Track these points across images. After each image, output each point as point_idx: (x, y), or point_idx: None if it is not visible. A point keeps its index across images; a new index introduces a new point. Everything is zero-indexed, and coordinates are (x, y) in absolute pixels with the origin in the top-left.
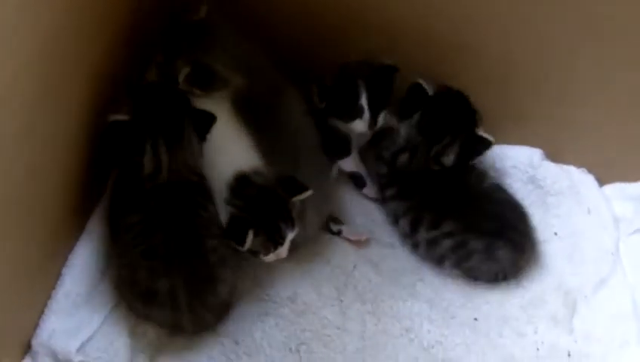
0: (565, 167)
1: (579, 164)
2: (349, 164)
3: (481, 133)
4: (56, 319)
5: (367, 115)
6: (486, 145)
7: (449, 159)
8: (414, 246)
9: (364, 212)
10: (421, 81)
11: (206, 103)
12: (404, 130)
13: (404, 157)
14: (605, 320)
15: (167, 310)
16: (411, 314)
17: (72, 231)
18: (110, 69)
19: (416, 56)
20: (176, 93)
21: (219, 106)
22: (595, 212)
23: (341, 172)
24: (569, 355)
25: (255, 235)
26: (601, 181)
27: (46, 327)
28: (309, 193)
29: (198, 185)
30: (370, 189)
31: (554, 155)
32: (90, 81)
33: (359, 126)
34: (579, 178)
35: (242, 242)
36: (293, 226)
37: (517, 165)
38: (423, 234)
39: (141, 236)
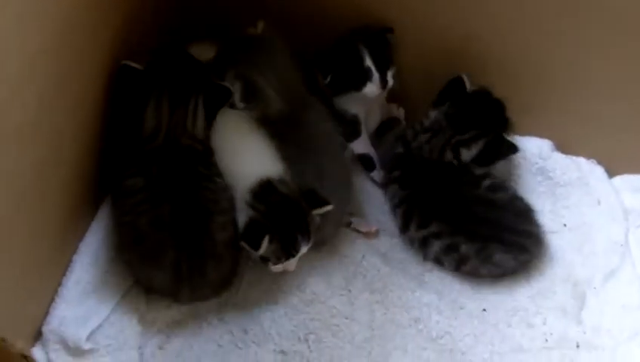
0: (575, 158)
1: (588, 156)
2: (361, 145)
3: (509, 138)
4: (67, 306)
5: (375, 75)
6: (512, 150)
7: (469, 153)
8: (411, 243)
9: (373, 202)
10: (463, 76)
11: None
12: (433, 115)
13: (424, 137)
14: (614, 312)
15: (168, 278)
16: (420, 304)
17: (83, 219)
18: (120, 61)
19: (427, 47)
20: (197, 62)
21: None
22: (605, 203)
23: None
24: (578, 346)
25: (270, 242)
26: (611, 172)
27: (56, 315)
28: (329, 208)
29: (202, 155)
30: (378, 173)
31: (564, 146)
32: (100, 74)
33: (371, 89)
34: (588, 169)
35: (257, 247)
36: (309, 240)
37: (526, 156)
38: (413, 232)
39: (147, 203)
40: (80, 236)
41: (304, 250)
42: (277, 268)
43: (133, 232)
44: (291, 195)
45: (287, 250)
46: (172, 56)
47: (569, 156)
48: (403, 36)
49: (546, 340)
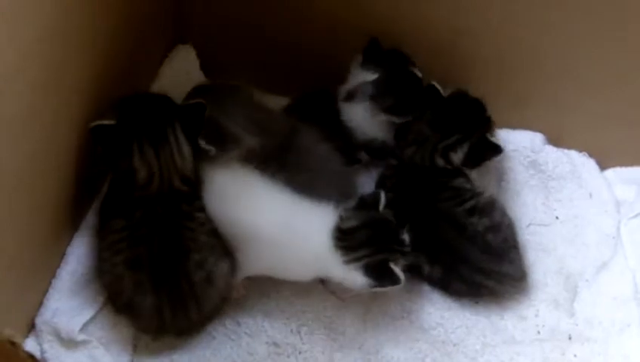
0: (567, 151)
1: (580, 149)
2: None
3: (493, 139)
4: (60, 298)
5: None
6: (496, 151)
7: (458, 157)
8: None
9: None
10: (434, 83)
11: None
12: (415, 127)
13: (410, 150)
14: (606, 304)
15: (153, 321)
16: (412, 296)
17: (78, 210)
18: (115, 55)
19: (416, 41)
20: (159, 97)
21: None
22: (597, 196)
23: None
24: (570, 338)
25: (395, 264)
26: (603, 165)
27: (50, 306)
28: (384, 196)
29: (187, 195)
30: None
31: (555, 140)
32: (95, 66)
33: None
34: (580, 162)
35: (398, 280)
36: (403, 228)
37: (518, 149)
38: None
39: (124, 242)
40: (74, 228)
41: (408, 237)
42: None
43: (111, 276)
44: (366, 217)
45: (403, 253)
46: (138, 100)
47: (561, 149)
48: (391, 31)
49: (538, 332)
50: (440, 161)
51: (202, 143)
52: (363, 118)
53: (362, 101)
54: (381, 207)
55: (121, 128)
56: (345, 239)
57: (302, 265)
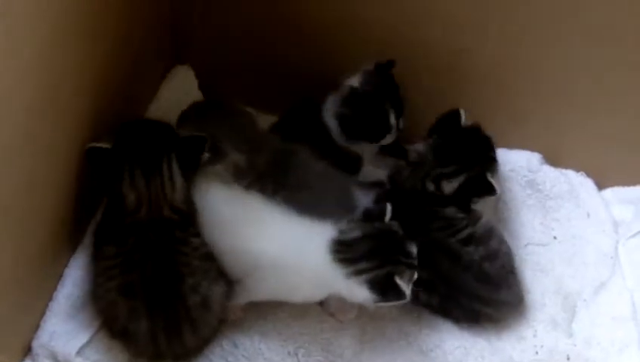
0: (564, 171)
1: (578, 168)
2: (366, 175)
3: (491, 179)
4: (57, 321)
5: (394, 129)
6: (489, 191)
7: (451, 186)
8: None
9: None
10: (461, 111)
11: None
12: (421, 146)
13: (407, 171)
14: (605, 324)
15: (149, 347)
16: (409, 317)
17: (74, 233)
18: (112, 77)
19: (414, 61)
20: (161, 124)
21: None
22: (595, 216)
23: None
24: (568, 359)
25: (401, 278)
26: (600, 185)
27: (47, 329)
28: (390, 208)
29: (179, 222)
30: None
31: (553, 159)
32: (91, 88)
33: (387, 140)
34: (578, 182)
35: (402, 294)
36: (411, 240)
37: (516, 169)
38: None
39: (117, 268)
40: (72, 248)
41: (415, 249)
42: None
43: (105, 302)
44: (368, 230)
45: (410, 266)
46: (137, 126)
47: (558, 169)
48: (389, 52)
49: (537, 352)
50: (430, 186)
51: None
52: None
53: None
54: (387, 218)
55: (116, 152)
56: (345, 251)
57: (306, 284)
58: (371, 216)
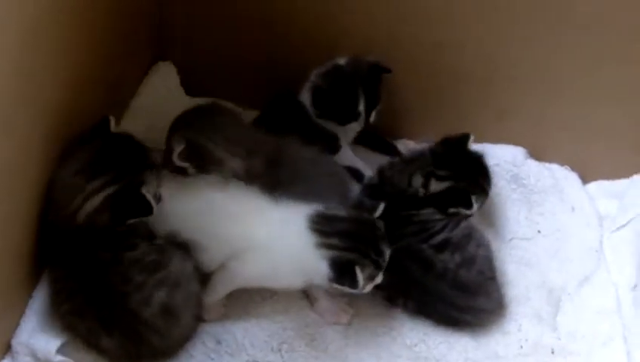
0: (548, 165)
1: (562, 162)
2: (343, 158)
3: (473, 198)
4: (37, 319)
5: (362, 116)
6: (466, 205)
7: (437, 186)
8: None
9: None
10: (471, 136)
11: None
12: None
13: (399, 166)
14: (589, 317)
15: (122, 358)
16: (394, 312)
17: None
18: (94, 72)
19: (397, 56)
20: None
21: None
22: (579, 210)
23: None
24: (553, 352)
25: (362, 271)
26: (585, 179)
27: (26, 327)
28: (382, 206)
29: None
30: None
31: (537, 154)
32: (72, 83)
33: (353, 127)
34: (562, 176)
35: (356, 284)
36: (388, 243)
37: (500, 163)
38: None
39: (63, 293)
40: None
41: (388, 253)
42: (367, 289)
43: (65, 323)
44: (352, 214)
45: (377, 265)
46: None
47: (543, 163)
48: (372, 47)
49: (521, 346)
50: (418, 181)
51: (177, 160)
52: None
53: None
54: (376, 214)
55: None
56: (323, 223)
57: (287, 264)
58: (362, 205)
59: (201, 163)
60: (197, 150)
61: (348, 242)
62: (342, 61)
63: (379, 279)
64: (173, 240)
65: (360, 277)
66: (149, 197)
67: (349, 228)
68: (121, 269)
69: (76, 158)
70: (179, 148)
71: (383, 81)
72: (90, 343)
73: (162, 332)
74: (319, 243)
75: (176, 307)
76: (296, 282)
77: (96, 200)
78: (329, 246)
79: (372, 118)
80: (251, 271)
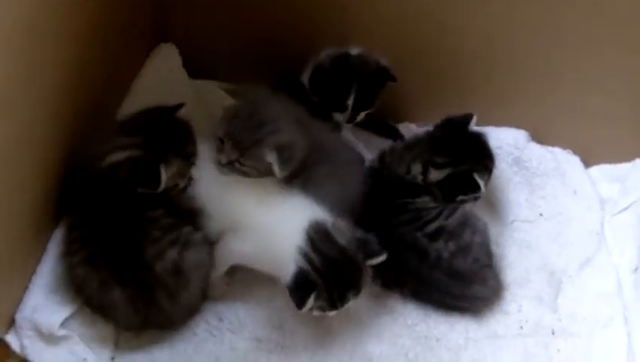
0: (551, 148)
1: (564, 146)
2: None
3: (478, 178)
4: (40, 294)
5: (348, 112)
6: (474, 190)
7: (437, 175)
8: None
9: None
10: (474, 117)
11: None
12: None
13: (399, 151)
14: (590, 299)
15: (130, 315)
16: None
17: (58, 205)
18: (95, 53)
19: (398, 38)
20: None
21: None
22: (581, 193)
23: None
24: (553, 333)
25: (317, 298)
26: (587, 162)
27: (30, 302)
28: (382, 258)
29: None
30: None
31: (539, 137)
32: (73, 63)
33: (338, 117)
34: (564, 159)
35: (302, 305)
36: (358, 293)
37: (502, 146)
38: None
39: (78, 242)
40: (55, 223)
41: (351, 302)
42: (315, 314)
43: (77, 280)
44: (348, 248)
45: (333, 305)
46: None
47: (545, 146)
48: (373, 32)
49: (521, 327)
50: (417, 168)
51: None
52: None
53: None
54: (371, 262)
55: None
56: (318, 236)
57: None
58: (364, 246)
59: (290, 163)
60: (285, 153)
61: (324, 268)
62: (354, 51)
63: (329, 313)
64: (190, 207)
65: (311, 301)
66: (163, 174)
67: (335, 258)
68: (139, 222)
69: (126, 117)
70: (275, 160)
71: (385, 88)
72: (100, 299)
73: (172, 292)
74: (302, 250)
75: (186, 269)
76: (275, 272)
77: (121, 155)
78: (307, 258)
79: (359, 118)
80: (240, 248)
